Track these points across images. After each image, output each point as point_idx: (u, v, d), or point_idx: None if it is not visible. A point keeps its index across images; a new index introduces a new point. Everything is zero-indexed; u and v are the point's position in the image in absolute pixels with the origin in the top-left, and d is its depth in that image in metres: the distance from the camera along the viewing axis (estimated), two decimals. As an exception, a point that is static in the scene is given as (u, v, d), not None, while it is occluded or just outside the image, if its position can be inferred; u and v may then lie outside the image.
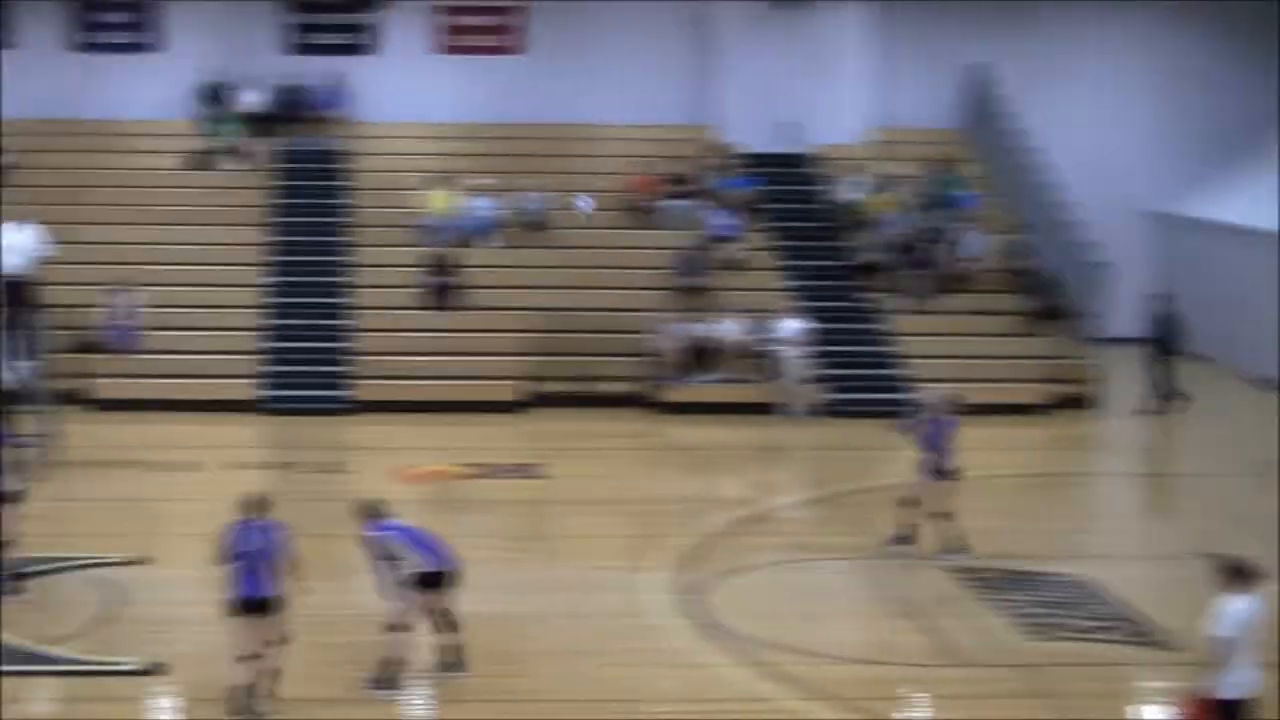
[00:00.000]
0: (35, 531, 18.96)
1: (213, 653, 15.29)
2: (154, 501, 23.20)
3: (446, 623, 15.32)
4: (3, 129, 32.25)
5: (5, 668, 15.38)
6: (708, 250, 31.42)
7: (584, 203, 32.89)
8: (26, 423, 23.11)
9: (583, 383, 29.55)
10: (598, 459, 26.28)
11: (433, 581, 14.96)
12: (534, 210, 32.42)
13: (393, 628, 14.94)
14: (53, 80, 34.11)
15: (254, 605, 14.23)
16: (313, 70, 34.87)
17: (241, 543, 14.24)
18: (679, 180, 33.26)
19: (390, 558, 14.80)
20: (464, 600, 15.47)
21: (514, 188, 32.63)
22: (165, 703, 14.94)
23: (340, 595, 16.86)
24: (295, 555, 14.42)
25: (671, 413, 28.87)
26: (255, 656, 14.29)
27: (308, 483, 23.96)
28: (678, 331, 29.41)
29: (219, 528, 14.60)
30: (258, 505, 14.56)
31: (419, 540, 15.02)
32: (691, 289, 30.72)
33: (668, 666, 16.24)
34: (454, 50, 35.52)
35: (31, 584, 18.13)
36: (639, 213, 32.99)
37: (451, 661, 15.40)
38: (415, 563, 14.82)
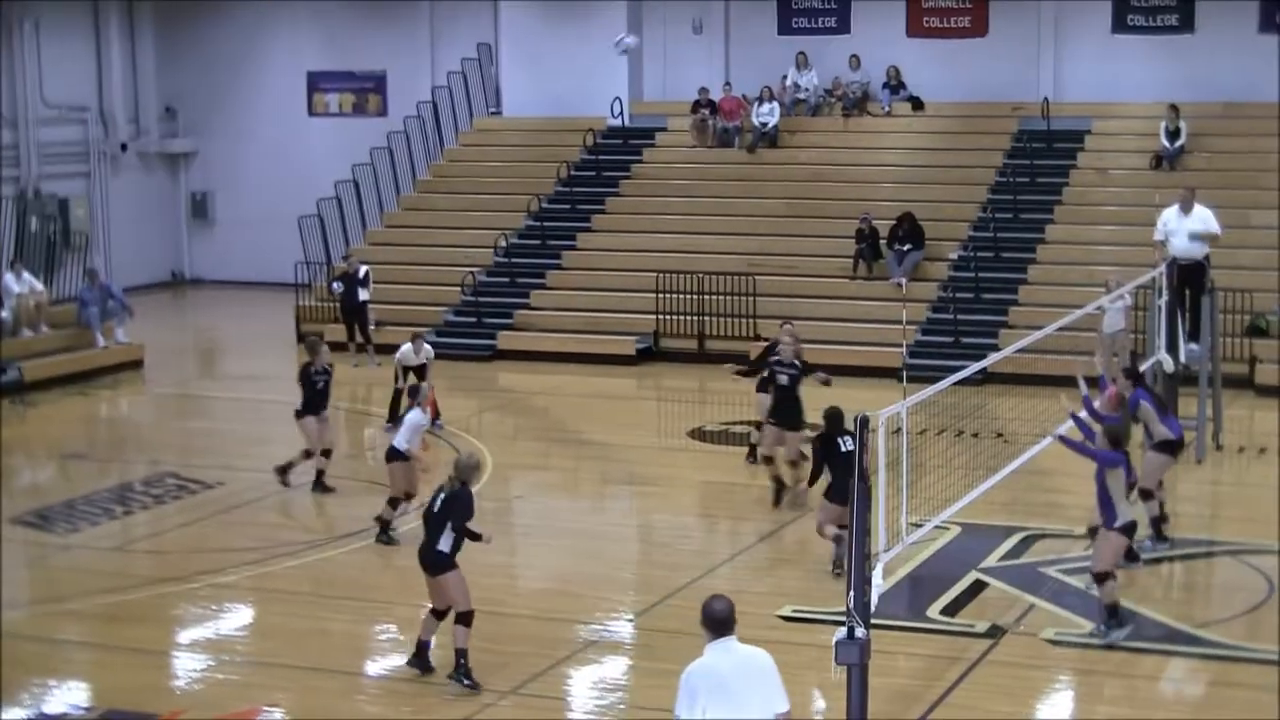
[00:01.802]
0: (1191, 514, 18.99)
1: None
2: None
3: None
4: (1180, 112, 32.51)
5: (1157, 646, 15.54)
6: None
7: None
8: (1191, 405, 22.94)
9: None
10: None
11: None
12: None
13: None
14: (1237, 62, 33.67)
15: None
16: None
17: None
18: None
19: None
20: None
21: None
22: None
23: None
24: None
25: None
26: None
27: None
28: None
29: None
30: None
31: None
32: None
33: None
34: None
35: (1182, 566, 18.01)
36: None
37: None
38: None
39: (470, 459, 15.21)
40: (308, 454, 21.80)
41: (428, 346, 25.11)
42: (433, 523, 14.71)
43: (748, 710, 9.39)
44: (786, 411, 20.54)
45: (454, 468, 14.94)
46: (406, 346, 24.81)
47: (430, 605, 14.95)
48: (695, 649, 15.53)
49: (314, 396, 21.91)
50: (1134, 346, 26.22)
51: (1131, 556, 17.11)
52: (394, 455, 19.23)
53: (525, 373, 30.24)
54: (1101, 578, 15.59)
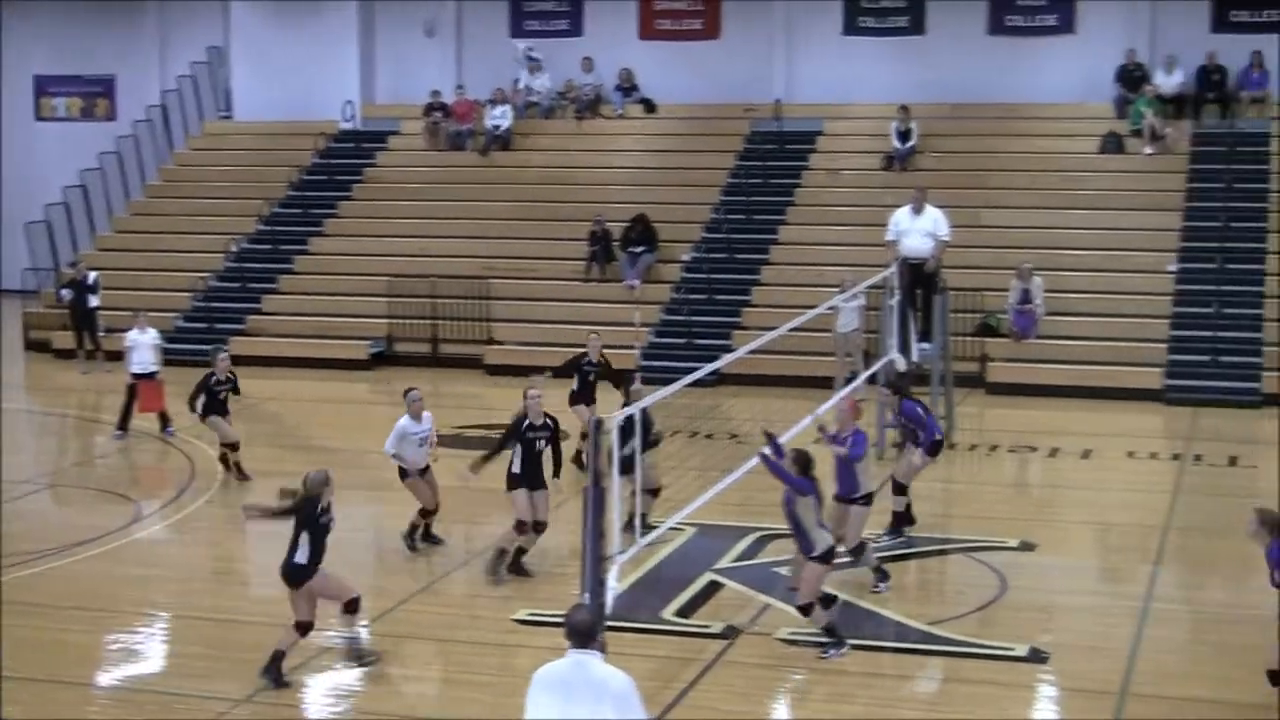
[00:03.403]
0: (924, 512, 19.18)
1: (1093, 644, 15.32)
2: (1041, 487, 22.82)
3: None
4: (911, 113, 33.01)
5: (891, 644, 15.64)
6: None
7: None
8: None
9: None
10: None
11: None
12: None
13: None
14: (966, 64, 34.33)
15: None
16: (1236, 49, 33.26)
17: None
18: None
19: None
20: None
21: None
22: (1044, 691, 14.57)
23: (1236, 595, 16.18)
24: None
25: None
26: None
27: (1210, 476, 22.71)
28: None
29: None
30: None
31: None
32: None
33: None
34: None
35: (916, 564, 18.21)
36: None
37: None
38: None
39: (318, 475, 14.73)
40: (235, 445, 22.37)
41: (152, 330, 25.55)
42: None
43: (571, 714, 9.01)
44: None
45: (303, 484, 14.60)
46: (133, 330, 25.38)
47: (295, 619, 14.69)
48: (427, 654, 15.40)
49: (214, 404, 22.20)
50: (867, 346, 26.51)
51: (881, 575, 17.17)
52: (403, 474, 18.77)
53: (257, 378, 29.48)
54: (805, 610, 15.22)
